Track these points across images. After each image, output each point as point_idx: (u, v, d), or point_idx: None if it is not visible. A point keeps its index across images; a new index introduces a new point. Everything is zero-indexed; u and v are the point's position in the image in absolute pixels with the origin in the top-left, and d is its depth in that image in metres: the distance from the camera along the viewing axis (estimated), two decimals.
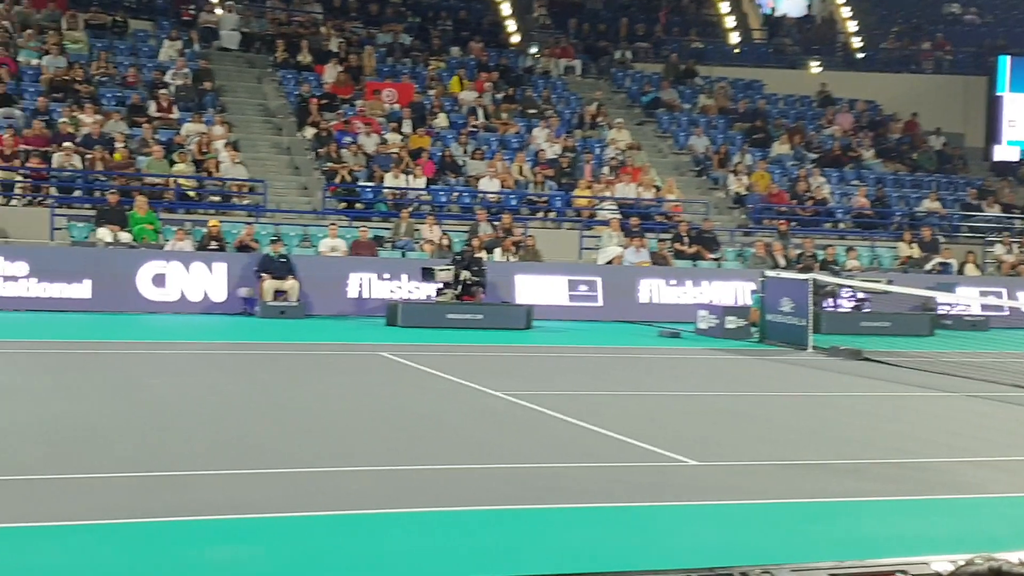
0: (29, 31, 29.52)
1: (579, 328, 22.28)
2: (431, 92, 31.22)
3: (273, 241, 22.48)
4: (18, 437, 9.62)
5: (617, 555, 6.88)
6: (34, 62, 28.61)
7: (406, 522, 7.42)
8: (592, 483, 8.73)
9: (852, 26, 42.94)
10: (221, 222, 23.49)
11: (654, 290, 24.61)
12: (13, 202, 24.26)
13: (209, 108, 28.48)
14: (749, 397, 14.23)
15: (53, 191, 24.73)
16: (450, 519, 7.54)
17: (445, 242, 24.44)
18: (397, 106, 30.04)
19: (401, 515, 7.55)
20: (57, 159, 24.71)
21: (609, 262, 25.26)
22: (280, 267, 21.87)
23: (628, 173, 29.27)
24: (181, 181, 25.62)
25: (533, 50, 37.15)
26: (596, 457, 9.68)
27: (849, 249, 27.40)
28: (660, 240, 26.85)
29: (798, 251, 26.62)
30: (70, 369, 14.29)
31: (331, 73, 30.76)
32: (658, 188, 29.56)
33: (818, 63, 40.58)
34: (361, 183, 27.12)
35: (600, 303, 24.23)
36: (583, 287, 24.24)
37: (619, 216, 27.26)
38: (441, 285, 21.88)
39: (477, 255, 23.26)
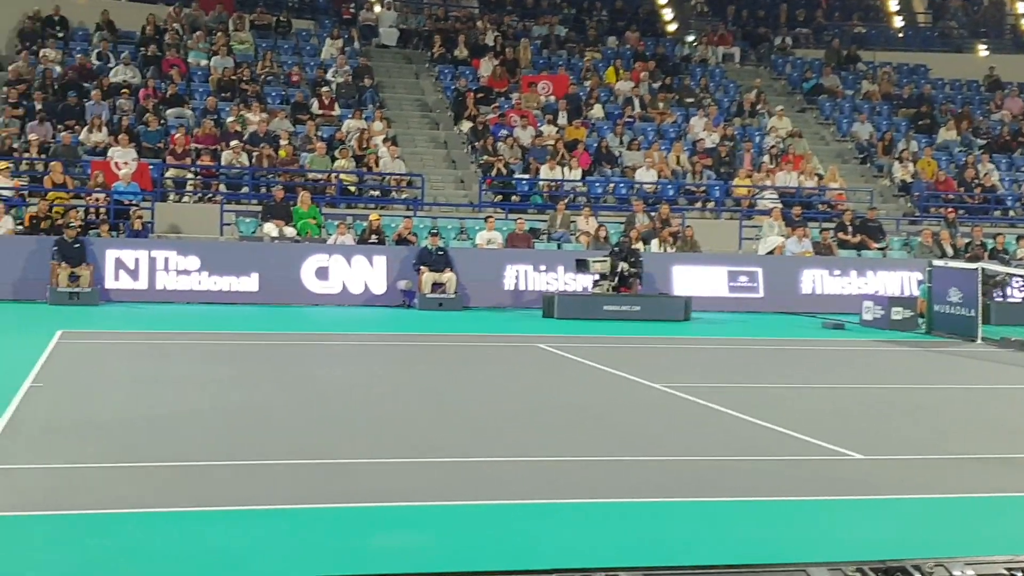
0: (198, 33, 30.54)
1: (739, 320, 22.02)
2: (587, 83, 31.22)
3: (431, 234, 22.79)
4: (197, 424, 9.97)
5: (787, 548, 6.77)
6: (203, 63, 29.60)
7: (565, 512, 7.44)
8: (757, 477, 8.63)
9: (1021, 7, 41.38)
10: (381, 216, 23.94)
11: (817, 280, 24.17)
12: (185, 198, 25.16)
13: (369, 104, 29.05)
14: (916, 390, 13.86)
15: (222, 188, 25.57)
16: (610, 510, 7.53)
17: (602, 234, 24.40)
18: (553, 98, 30.11)
19: (560, 505, 7.58)
20: (226, 157, 25.53)
21: (770, 252, 24.90)
22: (438, 260, 22.17)
23: (789, 161, 28.81)
24: (342, 176, 26.17)
25: (690, 38, 36.81)
26: (759, 450, 9.56)
27: (1020, 238, 26.46)
28: (823, 229, 26.34)
29: (966, 240, 25.82)
30: (242, 359, 14.75)
31: (487, 67, 31.01)
32: (820, 176, 29.02)
33: (985, 46, 39.28)
34: (517, 175, 27.29)
35: (761, 294, 23.90)
36: (743, 278, 23.93)
37: (780, 205, 26.85)
38: (597, 277, 21.86)
39: (634, 246, 23.17)
